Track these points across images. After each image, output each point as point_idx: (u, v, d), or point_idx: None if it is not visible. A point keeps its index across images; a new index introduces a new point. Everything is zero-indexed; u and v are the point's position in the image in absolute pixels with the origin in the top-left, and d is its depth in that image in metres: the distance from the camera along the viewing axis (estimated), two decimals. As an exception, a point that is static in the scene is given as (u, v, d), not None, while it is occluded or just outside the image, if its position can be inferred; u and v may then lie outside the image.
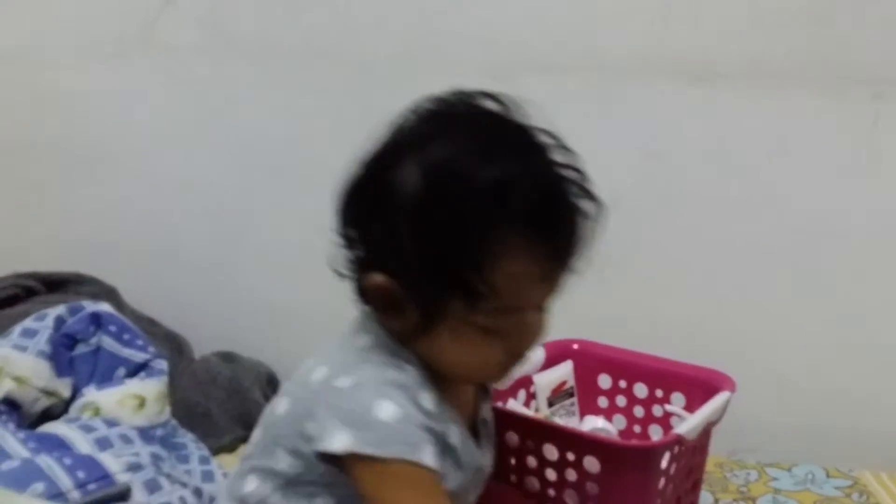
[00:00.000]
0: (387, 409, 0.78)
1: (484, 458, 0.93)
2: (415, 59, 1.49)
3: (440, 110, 0.82)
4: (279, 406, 0.87)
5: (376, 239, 0.80)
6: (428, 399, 0.81)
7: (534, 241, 0.78)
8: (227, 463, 1.24)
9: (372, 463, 0.77)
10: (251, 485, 0.86)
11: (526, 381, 1.21)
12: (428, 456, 0.78)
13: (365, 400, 0.78)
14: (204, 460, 1.21)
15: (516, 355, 0.84)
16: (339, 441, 0.77)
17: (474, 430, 0.92)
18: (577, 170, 0.82)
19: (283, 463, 0.84)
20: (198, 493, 1.09)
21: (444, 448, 0.82)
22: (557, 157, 0.81)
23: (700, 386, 1.13)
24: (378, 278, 0.80)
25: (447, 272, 0.77)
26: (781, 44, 1.39)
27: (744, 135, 1.43)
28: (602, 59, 1.47)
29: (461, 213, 0.75)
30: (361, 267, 0.82)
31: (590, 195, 0.82)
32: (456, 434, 0.84)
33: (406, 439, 0.77)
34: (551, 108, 1.48)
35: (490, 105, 0.82)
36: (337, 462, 0.79)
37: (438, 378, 0.84)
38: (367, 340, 0.84)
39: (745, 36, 1.40)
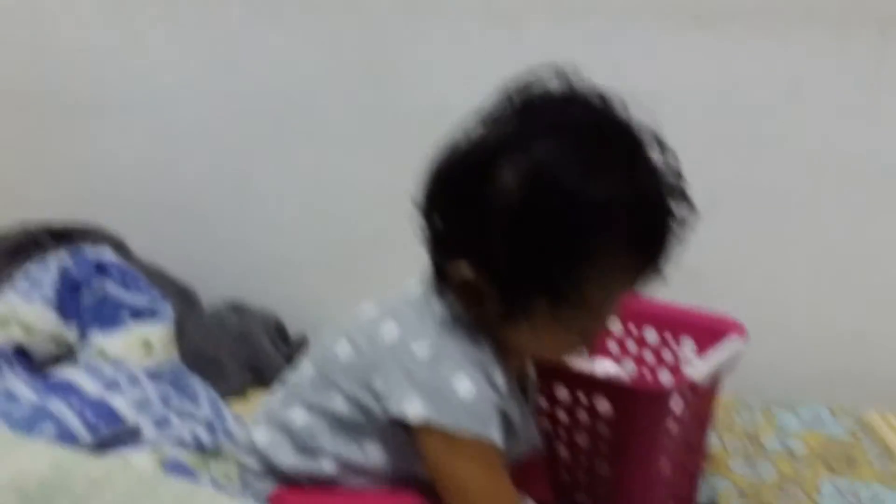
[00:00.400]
0: (464, 385, 0.80)
1: (535, 432, 0.95)
2: (416, 5, 1.46)
3: (536, 103, 0.80)
4: (340, 350, 0.87)
5: (467, 229, 0.80)
6: (500, 377, 0.83)
7: (633, 261, 0.79)
8: (238, 409, 1.24)
9: (444, 435, 0.80)
10: (300, 417, 0.88)
11: (536, 326, 1.20)
12: (496, 434, 0.81)
13: (444, 372, 0.80)
14: (213, 401, 1.21)
15: (589, 344, 0.87)
16: (413, 409, 0.80)
17: (523, 389, 0.94)
18: (677, 173, 0.82)
19: (340, 406, 0.85)
20: (210, 427, 1.09)
21: (508, 425, 0.85)
22: (659, 162, 0.80)
23: (710, 331, 1.13)
24: (465, 269, 0.80)
25: (540, 277, 0.77)
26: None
27: (749, 76, 1.40)
28: (606, 2, 1.44)
29: (563, 226, 0.75)
30: (444, 250, 0.82)
31: (687, 200, 0.82)
32: (517, 412, 0.87)
33: (479, 417, 0.80)
34: (555, 53, 1.47)
35: (589, 98, 0.80)
36: (404, 424, 0.81)
37: (505, 351, 0.85)
38: (445, 311, 0.84)
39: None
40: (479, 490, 0.82)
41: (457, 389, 0.80)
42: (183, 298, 1.51)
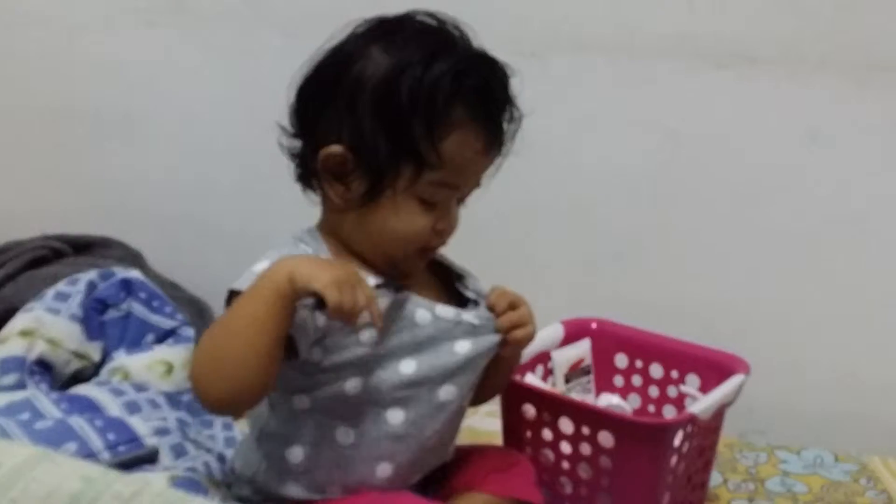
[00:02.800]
0: (261, 265, 0.88)
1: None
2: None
3: (388, 21, 0.94)
4: None
5: (334, 118, 0.91)
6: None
7: (480, 118, 0.91)
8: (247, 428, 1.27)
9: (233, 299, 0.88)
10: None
11: (544, 357, 1.23)
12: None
13: (255, 262, 0.90)
14: (227, 426, 1.24)
15: (438, 232, 0.94)
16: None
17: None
18: (506, 73, 0.95)
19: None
20: (221, 458, 1.12)
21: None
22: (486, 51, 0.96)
23: (715, 368, 1.15)
24: (335, 147, 0.91)
25: (404, 140, 0.89)
26: (809, 29, 1.39)
27: (770, 120, 1.43)
28: (630, 39, 1.47)
29: (423, 88, 0.88)
30: (315, 150, 0.92)
31: (515, 104, 0.96)
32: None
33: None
34: (578, 86, 1.51)
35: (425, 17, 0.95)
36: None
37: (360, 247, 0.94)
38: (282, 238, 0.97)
39: (773, 20, 1.40)
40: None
41: (254, 268, 0.89)
42: (195, 311, 1.51)
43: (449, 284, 1.02)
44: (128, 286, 1.22)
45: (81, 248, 1.56)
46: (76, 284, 1.19)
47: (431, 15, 0.95)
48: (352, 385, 0.91)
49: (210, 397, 0.85)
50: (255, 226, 1.68)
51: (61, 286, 1.19)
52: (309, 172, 0.95)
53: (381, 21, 0.94)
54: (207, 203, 1.72)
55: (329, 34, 0.95)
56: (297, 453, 0.94)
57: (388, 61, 0.90)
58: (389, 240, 0.93)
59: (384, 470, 0.95)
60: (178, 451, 1.06)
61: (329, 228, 0.96)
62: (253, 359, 0.83)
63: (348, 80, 0.91)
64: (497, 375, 1.02)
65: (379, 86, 0.89)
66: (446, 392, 0.95)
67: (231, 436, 1.23)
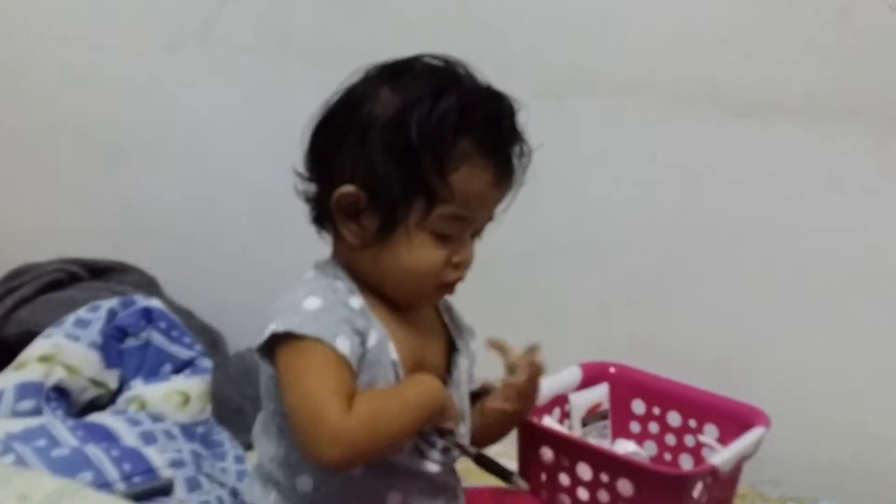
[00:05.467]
0: (312, 300, 0.90)
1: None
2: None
3: (396, 63, 0.96)
4: None
5: (347, 159, 0.93)
6: (357, 301, 0.93)
7: (488, 149, 0.93)
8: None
9: (288, 341, 0.88)
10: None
11: (561, 400, 1.23)
12: (342, 342, 0.88)
13: (297, 297, 0.91)
14: (239, 459, 1.24)
15: (455, 266, 0.95)
16: (267, 331, 0.89)
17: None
18: (512, 107, 0.97)
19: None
20: (234, 493, 1.12)
21: (363, 341, 0.91)
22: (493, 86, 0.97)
23: (734, 419, 1.15)
24: (347, 188, 0.92)
25: (414, 175, 0.91)
26: (833, 79, 1.40)
27: (791, 168, 1.43)
28: (651, 84, 1.48)
29: (431, 123, 0.90)
30: (328, 192, 0.94)
31: (524, 140, 0.97)
32: (375, 339, 0.93)
33: (323, 323, 0.88)
34: (598, 130, 1.51)
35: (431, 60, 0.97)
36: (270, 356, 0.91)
37: (390, 309, 0.96)
38: (311, 273, 0.98)
39: (797, 70, 1.41)
40: (306, 386, 0.87)
41: (304, 305, 0.90)
42: (209, 340, 1.52)
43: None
44: (148, 315, 1.21)
45: (98, 273, 1.56)
46: (97, 311, 1.19)
47: (438, 56, 0.97)
48: None
49: (356, 452, 0.88)
50: (267, 253, 1.69)
51: (82, 313, 1.19)
52: (323, 214, 0.97)
53: (390, 64, 0.96)
54: (222, 229, 1.72)
55: (354, 66, 0.96)
56: (305, 482, 0.94)
57: (396, 100, 0.92)
58: (405, 275, 0.94)
59: (394, 499, 0.95)
60: (193, 485, 1.06)
61: (345, 265, 0.97)
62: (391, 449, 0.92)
63: (358, 120, 0.93)
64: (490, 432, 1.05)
65: (388, 123, 0.91)
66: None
67: (243, 469, 1.23)
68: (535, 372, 1.00)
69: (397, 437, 0.91)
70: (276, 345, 0.90)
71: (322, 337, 0.87)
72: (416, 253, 0.93)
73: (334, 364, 0.88)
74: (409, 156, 0.91)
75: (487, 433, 1.05)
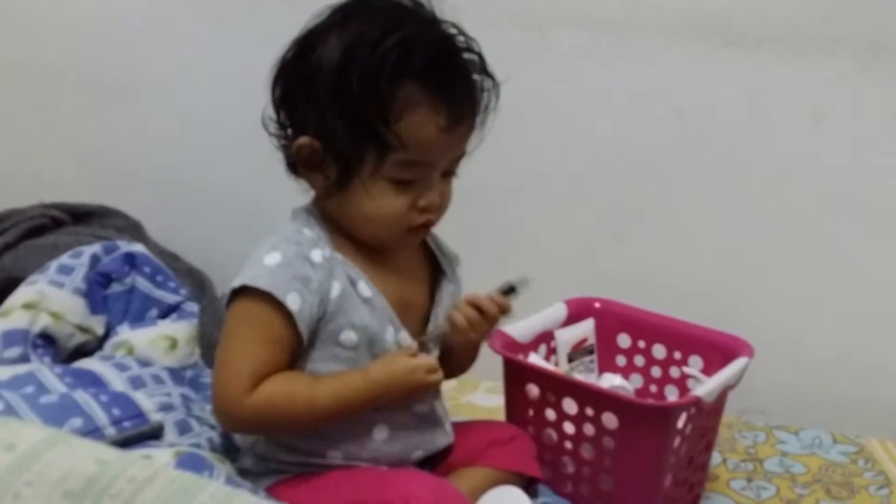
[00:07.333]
0: (272, 256, 0.91)
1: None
2: (457, 13, 1.49)
3: (349, 3, 0.94)
4: None
5: (302, 109, 0.93)
6: (319, 253, 0.93)
7: (433, 93, 0.90)
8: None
9: (243, 296, 0.90)
10: None
11: (547, 336, 1.23)
12: (292, 299, 0.89)
13: (260, 252, 0.92)
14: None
15: (421, 209, 0.94)
16: (230, 287, 0.91)
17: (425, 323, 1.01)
18: (475, 51, 0.95)
19: None
20: (224, 434, 1.12)
21: (323, 298, 0.93)
22: (460, 36, 0.94)
23: (719, 350, 1.16)
24: (303, 139, 0.92)
25: (360, 126, 0.89)
26: (817, 9, 1.38)
27: (776, 100, 1.43)
28: (635, 16, 1.46)
29: (370, 71, 0.88)
30: (292, 139, 0.94)
31: (486, 72, 0.95)
32: (339, 289, 0.93)
33: (277, 278, 0.90)
34: (581, 63, 1.49)
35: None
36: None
37: (367, 252, 0.96)
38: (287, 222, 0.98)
39: (781, 0, 1.40)
40: (232, 350, 0.91)
41: (265, 260, 0.91)
42: (195, 283, 1.51)
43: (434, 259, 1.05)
44: (132, 260, 1.21)
45: (81, 218, 1.55)
46: (80, 257, 1.18)
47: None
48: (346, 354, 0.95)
49: (239, 429, 0.96)
50: (253, 195, 1.67)
51: (65, 259, 1.18)
52: (292, 162, 0.97)
53: (342, 5, 0.94)
54: (207, 171, 1.71)
55: (328, 3, 0.95)
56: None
57: (340, 46, 0.90)
58: (369, 222, 0.95)
59: (381, 432, 0.98)
60: (183, 427, 1.06)
61: (320, 211, 0.98)
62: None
63: (309, 69, 0.92)
64: (459, 358, 1.05)
65: (332, 74, 0.90)
66: None
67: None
68: (502, 310, 1.00)
69: (297, 427, 0.95)
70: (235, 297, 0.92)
71: (273, 292, 0.89)
72: (377, 201, 0.93)
73: (270, 330, 0.90)
74: (353, 106, 0.89)
75: (456, 363, 1.05)
